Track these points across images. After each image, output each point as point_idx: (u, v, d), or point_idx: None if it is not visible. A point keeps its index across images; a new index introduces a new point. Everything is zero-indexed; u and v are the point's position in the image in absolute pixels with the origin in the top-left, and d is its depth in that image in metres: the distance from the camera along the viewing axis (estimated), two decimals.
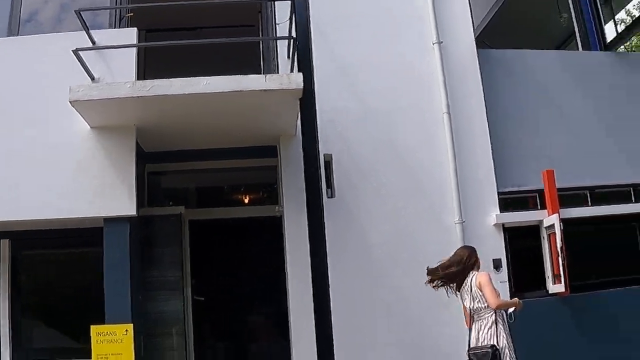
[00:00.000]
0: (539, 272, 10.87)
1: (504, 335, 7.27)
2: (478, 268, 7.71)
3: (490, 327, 7.30)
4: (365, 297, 9.86)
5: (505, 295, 9.09)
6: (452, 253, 7.93)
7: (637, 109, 12.40)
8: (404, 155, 10.58)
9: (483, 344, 7.28)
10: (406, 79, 10.89)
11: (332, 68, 10.41)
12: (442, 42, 11.05)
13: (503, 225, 10.69)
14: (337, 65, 10.56)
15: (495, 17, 12.98)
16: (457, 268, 7.62)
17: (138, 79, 9.37)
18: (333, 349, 7.95)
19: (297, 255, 9.17)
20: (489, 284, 7.32)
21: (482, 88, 11.08)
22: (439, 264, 7.74)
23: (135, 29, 9.91)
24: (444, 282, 7.77)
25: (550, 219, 10.61)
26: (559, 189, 10.73)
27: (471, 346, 7.47)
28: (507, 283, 10.35)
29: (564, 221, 10.47)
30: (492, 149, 10.88)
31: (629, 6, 23.06)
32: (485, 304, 7.34)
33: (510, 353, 7.23)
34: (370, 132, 10.53)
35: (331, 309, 8.08)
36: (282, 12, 9.51)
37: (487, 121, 10.97)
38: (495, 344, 7.18)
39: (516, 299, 7.72)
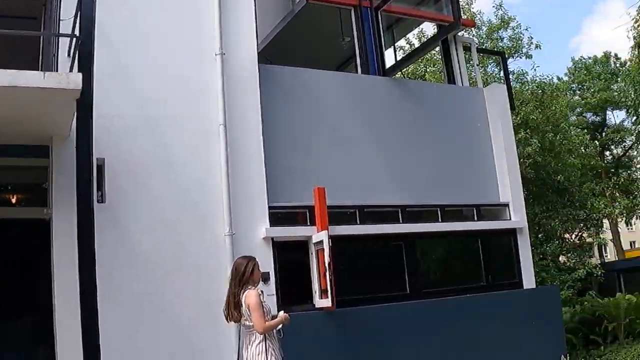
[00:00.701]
0: (307, 287, 11.69)
1: (273, 352, 7.72)
2: (258, 280, 8.03)
3: (259, 344, 7.68)
4: (133, 305, 10.13)
5: (273, 308, 9.36)
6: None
7: (409, 134, 13.83)
8: (178, 164, 11.04)
9: None
10: (186, 89, 11.35)
11: (112, 72, 10.55)
12: (224, 53, 11.65)
13: (272, 239, 11.42)
14: (118, 69, 10.76)
15: (280, 34, 13.81)
16: (235, 281, 7.84)
17: None
18: (100, 358, 8.01)
19: (65, 259, 9.27)
20: (257, 308, 7.60)
21: (259, 103, 11.79)
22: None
23: None
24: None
25: (319, 235, 11.45)
26: (329, 207, 11.63)
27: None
28: (275, 296, 11.00)
29: (333, 238, 11.32)
30: (265, 164, 11.58)
31: (410, 35, 25.28)
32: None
33: None
34: (146, 140, 10.85)
35: (99, 316, 8.09)
36: (68, 9, 9.18)
37: (263, 136, 11.68)
38: None
39: (283, 314, 8.01)
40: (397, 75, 16.12)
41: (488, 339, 12.88)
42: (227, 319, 7.97)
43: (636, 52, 19.02)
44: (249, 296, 7.69)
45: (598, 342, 17.41)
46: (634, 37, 18.81)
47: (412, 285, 12.94)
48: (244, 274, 7.89)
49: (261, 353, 7.66)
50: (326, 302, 11.29)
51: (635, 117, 21.12)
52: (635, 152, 38.04)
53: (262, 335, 7.69)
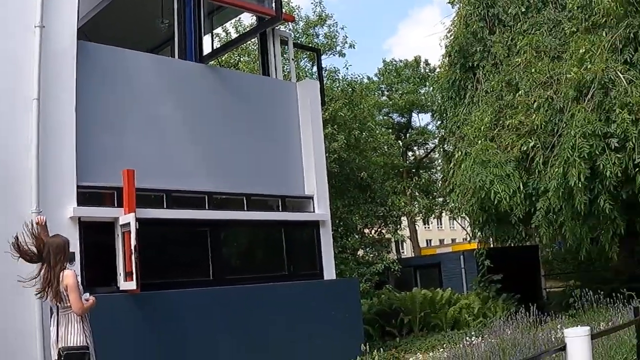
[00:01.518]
0: (112, 268, 11.77)
1: (87, 334, 7.85)
2: (70, 261, 8.23)
3: (75, 325, 7.77)
4: None
5: None
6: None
7: (222, 122, 14.24)
8: None
9: (73, 345, 7.72)
10: (1, 60, 11.11)
11: None
12: (44, 26, 11.41)
13: (79, 219, 11.42)
14: None
15: (102, 12, 13.75)
16: (55, 259, 7.79)
17: None
18: None
19: None
20: (75, 289, 7.70)
21: (75, 80, 11.68)
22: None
23: None
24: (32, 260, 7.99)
25: (126, 218, 11.61)
26: (138, 189, 11.82)
27: (58, 344, 7.78)
28: (80, 277, 10.76)
29: (140, 221, 11.54)
30: (76, 142, 11.51)
31: (228, 24, 25.64)
32: (70, 303, 7.75)
33: (91, 350, 7.89)
34: None
35: None
36: None
37: (76, 113, 11.58)
38: (86, 343, 7.76)
39: (91, 297, 8.09)
40: (211, 63, 16.44)
41: (288, 326, 13.50)
42: (41, 297, 8.04)
43: (446, 61, 20.35)
44: (68, 277, 7.75)
45: (394, 334, 18.46)
46: (446, 46, 20.15)
47: (216, 271, 13.36)
48: (64, 254, 7.95)
49: (78, 333, 7.80)
50: (130, 285, 11.45)
51: (440, 122, 22.50)
52: (437, 155, 40.05)
53: (78, 318, 7.81)
